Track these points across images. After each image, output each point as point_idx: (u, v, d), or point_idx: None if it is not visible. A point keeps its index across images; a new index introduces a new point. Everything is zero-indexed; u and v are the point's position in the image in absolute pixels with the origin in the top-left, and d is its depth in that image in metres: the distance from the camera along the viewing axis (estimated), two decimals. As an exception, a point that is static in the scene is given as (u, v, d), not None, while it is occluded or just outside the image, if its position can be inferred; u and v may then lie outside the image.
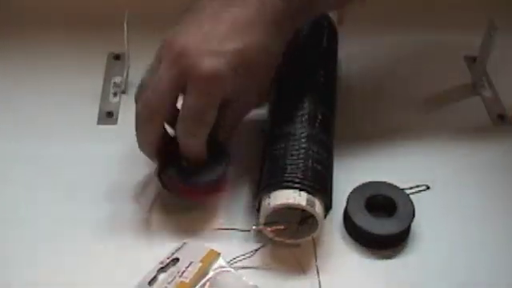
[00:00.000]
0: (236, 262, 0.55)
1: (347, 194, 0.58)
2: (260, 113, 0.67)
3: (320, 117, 0.60)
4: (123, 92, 0.70)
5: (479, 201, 0.61)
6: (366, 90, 0.71)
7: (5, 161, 0.63)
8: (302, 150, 0.57)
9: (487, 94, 0.72)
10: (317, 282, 0.54)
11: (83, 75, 0.71)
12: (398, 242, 0.57)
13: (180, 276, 0.52)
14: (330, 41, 0.68)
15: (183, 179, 0.56)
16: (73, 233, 0.57)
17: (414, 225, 0.58)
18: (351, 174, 0.61)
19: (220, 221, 0.58)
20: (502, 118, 0.69)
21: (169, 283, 0.52)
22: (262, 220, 0.55)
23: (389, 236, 0.56)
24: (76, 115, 0.67)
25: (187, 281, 0.52)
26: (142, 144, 0.56)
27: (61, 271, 0.55)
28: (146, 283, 0.52)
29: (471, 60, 0.74)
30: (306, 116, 0.59)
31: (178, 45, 0.53)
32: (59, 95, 0.69)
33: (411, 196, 0.58)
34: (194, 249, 0.55)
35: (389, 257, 0.57)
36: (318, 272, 0.54)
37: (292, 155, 0.56)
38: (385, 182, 0.59)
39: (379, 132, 0.67)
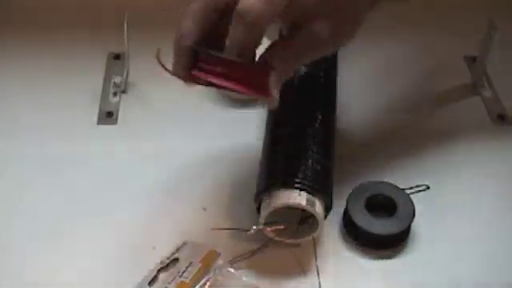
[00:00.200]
0: (236, 262, 0.55)
1: (347, 194, 0.58)
2: (259, 116, 0.67)
3: (320, 117, 0.60)
4: (123, 92, 0.70)
5: (479, 201, 0.61)
6: (366, 89, 0.71)
7: (5, 161, 0.63)
8: (302, 150, 0.57)
9: (487, 93, 0.72)
10: (317, 282, 0.54)
11: (83, 75, 0.71)
12: (397, 242, 0.57)
13: (180, 276, 0.52)
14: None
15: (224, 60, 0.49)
16: (72, 233, 0.57)
17: (414, 225, 0.58)
18: (351, 174, 0.61)
19: (220, 221, 0.58)
20: (502, 118, 0.69)
21: (169, 283, 0.52)
22: (261, 220, 0.55)
23: (389, 236, 0.56)
24: (76, 115, 0.67)
25: (187, 281, 0.52)
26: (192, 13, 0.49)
27: (61, 271, 0.55)
28: (146, 283, 0.52)
29: (471, 60, 0.74)
30: (306, 116, 0.59)
31: None
32: (59, 95, 0.69)
33: (411, 196, 0.58)
34: (194, 249, 0.55)
35: (389, 257, 0.57)
36: (318, 272, 0.54)
37: (292, 155, 0.56)
38: (385, 182, 0.59)
39: (379, 132, 0.67)
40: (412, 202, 0.58)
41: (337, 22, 0.51)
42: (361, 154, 0.64)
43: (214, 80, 0.49)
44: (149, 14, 0.75)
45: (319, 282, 0.54)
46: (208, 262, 0.53)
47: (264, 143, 0.61)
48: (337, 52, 0.68)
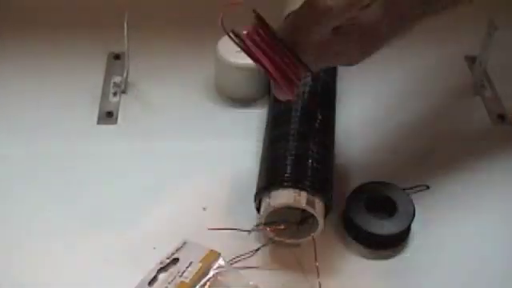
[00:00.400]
0: (236, 262, 0.55)
1: (347, 193, 0.58)
2: (259, 116, 0.67)
3: (320, 117, 0.60)
4: (123, 92, 0.70)
5: (479, 201, 0.61)
6: (366, 89, 0.71)
7: (5, 160, 0.63)
8: (302, 150, 0.57)
9: (487, 93, 0.72)
10: (317, 282, 0.54)
11: (83, 75, 0.71)
12: (397, 242, 0.57)
13: (180, 276, 0.52)
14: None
15: None
16: (72, 233, 0.57)
17: (414, 225, 0.58)
18: (351, 174, 0.61)
19: (220, 221, 0.58)
20: (502, 117, 0.69)
21: (169, 283, 0.52)
22: (262, 220, 0.55)
23: (389, 236, 0.56)
24: (76, 115, 0.67)
25: (187, 281, 0.52)
26: None
27: (61, 271, 0.55)
28: (146, 283, 0.52)
29: (471, 60, 0.74)
30: (306, 116, 0.59)
31: None
32: (59, 95, 0.69)
33: (411, 196, 0.58)
34: (194, 249, 0.55)
35: (389, 257, 0.57)
36: (318, 272, 0.54)
37: (292, 155, 0.56)
38: (385, 182, 0.59)
39: (379, 132, 0.67)
40: (412, 202, 0.58)
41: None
42: (361, 154, 0.64)
43: (259, 56, 0.50)
44: (149, 14, 0.75)
45: (319, 282, 0.54)
46: (208, 262, 0.53)
47: (264, 143, 0.61)
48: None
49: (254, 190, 0.57)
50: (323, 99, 0.63)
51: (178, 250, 0.55)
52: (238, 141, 0.65)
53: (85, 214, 0.59)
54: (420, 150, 0.65)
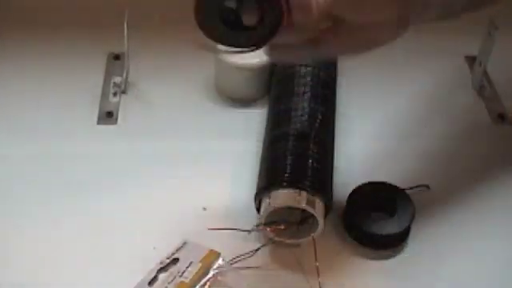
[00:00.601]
0: (236, 262, 0.55)
1: (347, 194, 0.58)
2: (259, 116, 0.67)
3: (320, 117, 0.60)
4: (123, 92, 0.70)
5: (479, 201, 0.61)
6: (366, 89, 0.71)
7: (5, 160, 0.63)
8: (302, 150, 0.57)
9: (487, 93, 0.72)
10: (317, 282, 0.54)
11: (83, 75, 0.71)
12: (397, 242, 0.57)
13: (180, 276, 0.52)
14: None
15: None
16: (72, 232, 0.57)
17: (414, 225, 0.58)
18: (351, 174, 0.61)
19: (220, 221, 0.58)
20: (502, 117, 0.69)
21: (169, 283, 0.52)
22: (262, 220, 0.55)
23: (389, 236, 0.56)
24: (76, 115, 0.67)
25: (187, 281, 0.52)
26: None
27: (61, 271, 0.55)
28: (146, 283, 0.52)
29: (471, 60, 0.74)
30: (306, 116, 0.59)
31: None
32: (59, 95, 0.69)
33: (411, 196, 0.58)
34: (194, 249, 0.55)
35: (389, 257, 0.57)
36: (318, 272, 0.54)
37: (292, 155, 0.56)
38: (385, 182, 0.59)
39: (379, 132, 0.67)
40: (412, 202, 0.58)
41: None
42: (361, 154, 0.64)
43: None
44: (149, 14, 0.75)
45: (319, 282, 0.54)
46: (208, 262, 0.53)
47: (264, 143, 0.61)
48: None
49: (253, 190, 0.57)
50: (323, 99, 0.62)
51: (178, 250, 0.55)
52: (237, 141, 0.65)
53: (84, 214, 0.59)
54: (420, 149, 0.65)
